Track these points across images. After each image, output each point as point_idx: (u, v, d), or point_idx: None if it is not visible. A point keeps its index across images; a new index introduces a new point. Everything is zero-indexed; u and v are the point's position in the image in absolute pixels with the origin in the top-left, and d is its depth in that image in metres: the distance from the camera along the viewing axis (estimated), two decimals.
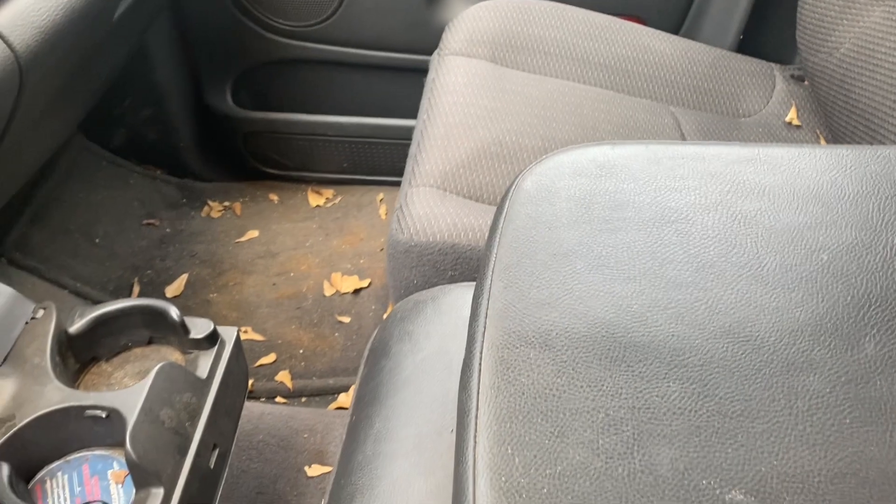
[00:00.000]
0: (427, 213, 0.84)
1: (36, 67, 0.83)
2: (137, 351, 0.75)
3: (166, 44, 1.44)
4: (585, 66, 1.11)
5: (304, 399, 1.17)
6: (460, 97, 1.00)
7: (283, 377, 1.18)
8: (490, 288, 0.49)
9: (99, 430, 0.65)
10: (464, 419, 0.42)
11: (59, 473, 0.66)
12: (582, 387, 0.42)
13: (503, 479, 0.38)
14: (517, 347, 0.44)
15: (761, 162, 0.58)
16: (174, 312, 0.72)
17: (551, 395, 0.42)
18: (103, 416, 0.64)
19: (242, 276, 1.35)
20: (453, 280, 0.82)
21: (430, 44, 1.23)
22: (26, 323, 0.71)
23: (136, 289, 1.31)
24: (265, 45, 1.44)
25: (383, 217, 1.48)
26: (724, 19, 1.36)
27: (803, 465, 0.39)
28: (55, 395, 0.65)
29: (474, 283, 0.53)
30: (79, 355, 0.73)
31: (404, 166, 0.97)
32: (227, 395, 0.72)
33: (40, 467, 0.66)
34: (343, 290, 1.32)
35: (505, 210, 0.55)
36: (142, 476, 0.60)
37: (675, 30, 1.41)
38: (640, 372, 0.43)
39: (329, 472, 0.94)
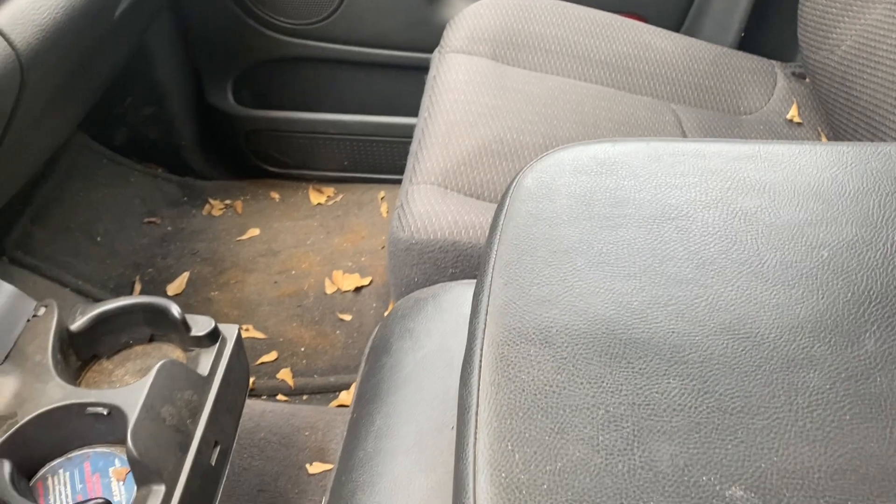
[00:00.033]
0: (428, 211, 0.84)
1: (37, 65, 0.83)
2: (139, 349, 0.76)
3: (167, 42, 1.44)
4: (586, 64, 1.11)
5: (305, 397, 1.17)
6: (461, 95, 1.00)
7: (285, 375, 1.18)
8: (490, 285, 0.49)
9: (100, 427, 0.65)
10: (464, 416, 0.42)
11: (61, 471, 0.66)
12: (582, 383, 0.42)
13: (503, 475, 0.38)
14: (517, 344, 0.44)
15: (762, 159, 0.58)
16: (175, 310, 0.72)
17: (551, 392, 0.42)
18: (105, 413, 0.64)
19: (244, 274, 1.35)
20: (454, 277, 0.82)
21: (431, 41, 1.23)
22: (28, 321, 0.71)
23: (138, 287, 1.31)
24: (266, 43, 1.44)
25: (384, 215, 1.48)
26: (725, 17, 1.36)
27: (803, 462, 0.39)
28: (57, 393, 0.65)
29: (475, 281, 0.53)
30: (80, 353, 0.73)
31: (405, 164, 0.97)
32: (229, 392, 0.72)
33: (42, 464, 0.66)
34: (344, 288, 1.32)
35: (506, 207, 0.55)
36: (143, 473, 0.60)
37: (676, 27, 1.41)
38: (641, 368, 0.43)
39: (330, 470, 0.94)
